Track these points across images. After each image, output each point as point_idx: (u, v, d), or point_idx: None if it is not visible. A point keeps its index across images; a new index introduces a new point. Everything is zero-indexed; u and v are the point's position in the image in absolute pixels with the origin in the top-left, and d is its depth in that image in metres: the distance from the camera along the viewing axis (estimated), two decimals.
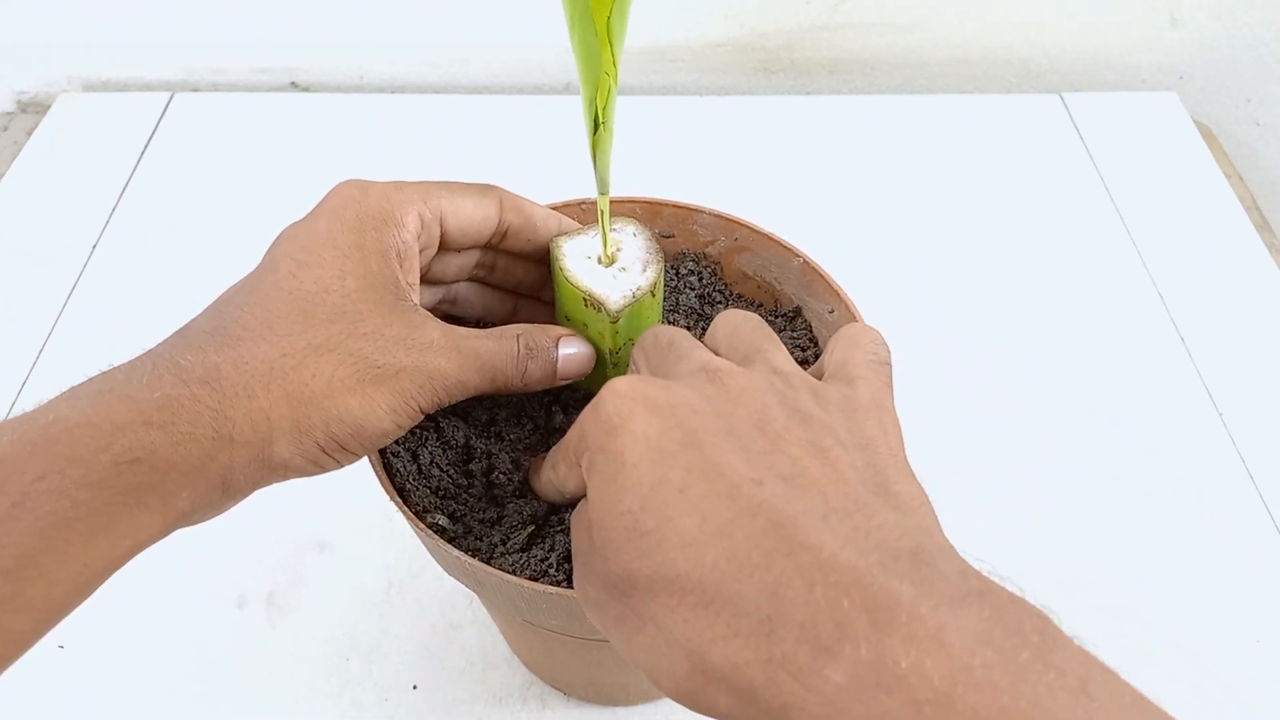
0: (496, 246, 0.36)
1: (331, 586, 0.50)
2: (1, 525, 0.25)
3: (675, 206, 0.43)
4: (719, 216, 0.43)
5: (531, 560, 0.33)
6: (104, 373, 0.29)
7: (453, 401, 0.32)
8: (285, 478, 0.30)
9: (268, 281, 0.30)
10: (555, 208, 0.43)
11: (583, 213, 0.43)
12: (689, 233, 0.44)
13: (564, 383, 0.35)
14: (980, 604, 0.22)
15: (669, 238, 0.44)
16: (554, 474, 0.31)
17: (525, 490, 0.36)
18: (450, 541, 0.33)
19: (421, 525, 0.33)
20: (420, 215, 0.33)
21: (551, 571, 0.33)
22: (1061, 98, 0.80)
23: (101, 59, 0.80)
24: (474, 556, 0.33)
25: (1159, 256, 0.68)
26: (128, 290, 0.64)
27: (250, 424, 0.28)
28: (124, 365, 0.29)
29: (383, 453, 0.36)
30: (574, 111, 0.77)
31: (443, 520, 0.35)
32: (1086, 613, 0.49)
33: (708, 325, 0.42)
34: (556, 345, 0.34)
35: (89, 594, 0.27)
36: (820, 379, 0.29)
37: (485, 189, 0.35)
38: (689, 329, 0.42)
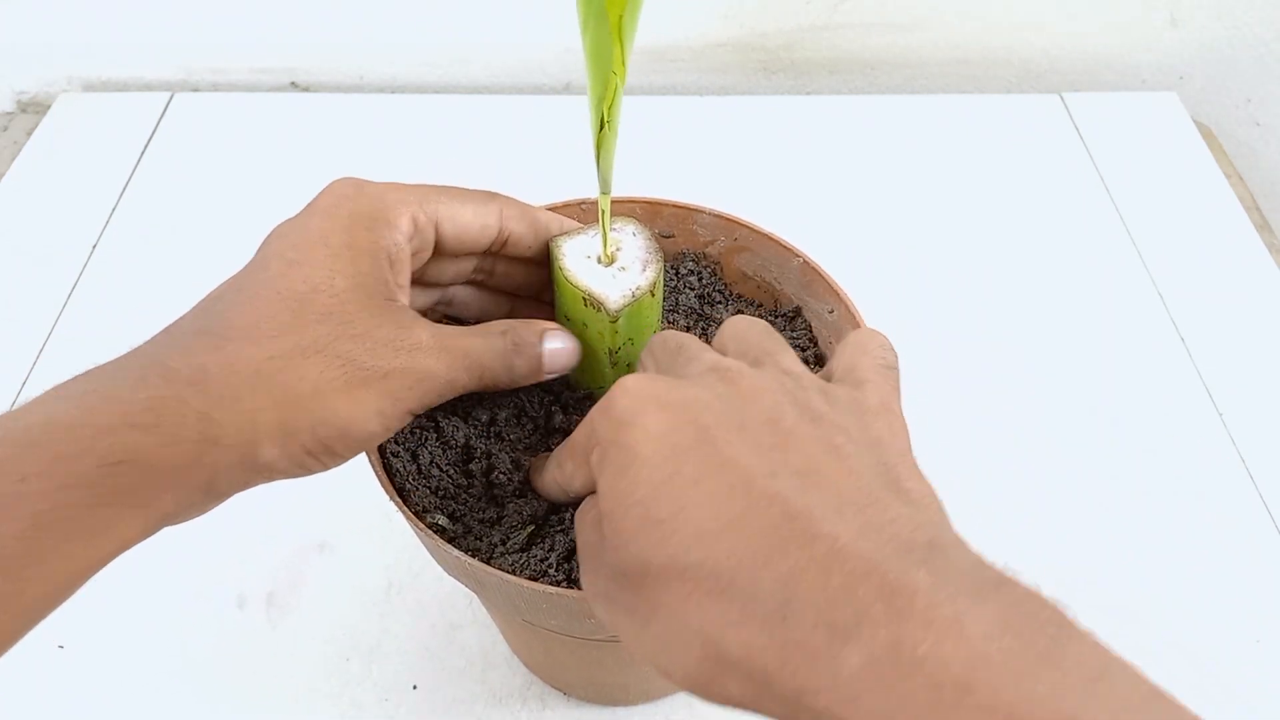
0: (496, 253, 0.36)
1: (331, 586, 0.50)
2: None
3: (675, 206, 0.43)
4: (719, 216, 0.43)
5: (531, 560, 0.33)
6: (91, 371, 0.28)
7: (442, 401, 0.32)
8: (270, 479, 0.30)
9: (257, 280, 0.30)
10: (555, 208, 0.43)
11: (583, 213, 0.43)
12: (689, 233, 0.44)
13: (550, 377, 0.35)
14: (997, 595, 0.22)
15: (669, 238, 0.44)
16: (559, 472, 0.31)
17: (525, 490, 0.36)
18: (450, 541, 0.33)
19: (421, 525, 0.33)
20: (414, 218, 0.32)
21: (551, 571, 0.33)
22: (1061, 98, 0.80)
23: (101, 59, 0.80)
24: (474, 556, 0.33)
25: (1159, 256, 0.68)
26: (128, 290, 0.64)
27: (236, 427, 0.28)
28: (111, 364, 0.29)
29: (383, 453, 0.36)
30: (574, 111, 0.77)
31: (443, 520, 0.35)
32: (1087, 613, 0.49)
33: (708, 325, 0.42)
34: (541, 340, 0.34)
35: (70, 595, 0.27)
36: (828, 382, 0.29)
37: (486, 197, 0.35)
38: (689, 329, 0.42)
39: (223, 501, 0.29)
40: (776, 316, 0.43)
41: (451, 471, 0.37)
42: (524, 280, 0.38)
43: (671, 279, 0.43)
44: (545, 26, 0.78)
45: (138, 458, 0.26)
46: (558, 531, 0.34)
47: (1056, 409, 0.59)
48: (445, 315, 0.39)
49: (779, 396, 0.27)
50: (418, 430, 0.37)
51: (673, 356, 0.30)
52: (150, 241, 0.68)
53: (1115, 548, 0.53)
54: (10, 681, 0.47)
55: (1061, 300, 0.65)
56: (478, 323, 0.39)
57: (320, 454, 0.30)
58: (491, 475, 0.36)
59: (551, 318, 0.36)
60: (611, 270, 0.35)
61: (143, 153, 0.74)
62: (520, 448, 0.37)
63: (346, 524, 0.52)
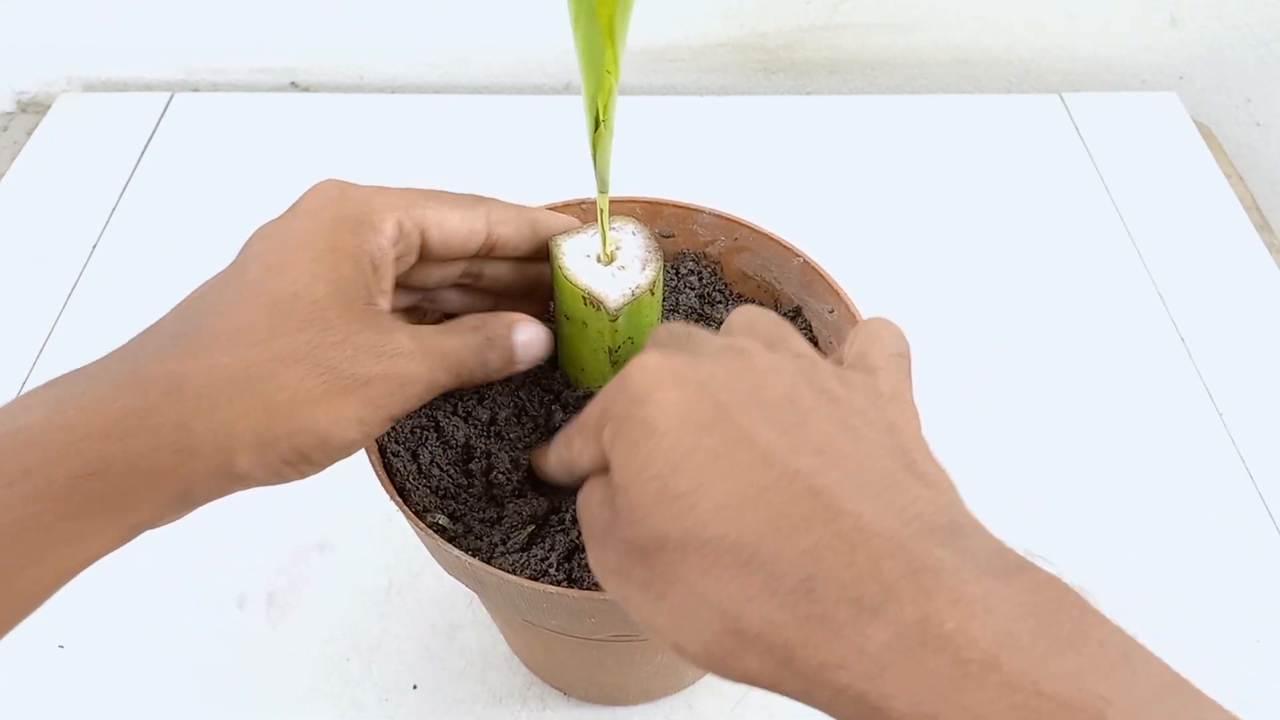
0: (484, 257, 0.36)
1: (331, 586, 0.50)
2: None
3: (675, 206, 0.43)
4: (719, 216, 0.43)
5: (531, 560, 0.33)
6: (65, 376, 0.28)
7: (422, 403, 0.32)
8: (246, 488, 0.29)
9: (237, 284, 0.30)
10: (555, 208, 0.43)
11: (583, 212, 0.43)
12: (689, 232, 0.44)
13: (523, 368, 0.35)
14: (1021, 577, 0.22)
15: (669, 237, 0.44)
16: (567, 450, 0.31)
17: (525, 490, 0.36)
18: (450, 541, 0.33)
19: (421, 525, 0.33)
20: (400, 222, 0.32)
21: (551, 571, 0.33)
22: (1061, 98, 0.80)
23: (101, 59, 0.80)
24: (474, 556, 0.33)
25: (1159, 256, 0.68)
26: (128, 290, 0.64)
27: (213, 437, 0.27)
28: (86, 369, 0.28)
29: (383, 453, 0.36)
30: (574, 111, 0.77)
31: (443, 520, 0.35)
32: None
33: (708, 325, 0.42)
34: (512, 332, 0.34)
35: (39, 605, 0.27)
36: (840, 367, 0.29)
37: (474, 201, 0.34)
38: None
39: (198, 508, 0.29)
40: None
41: (452, 471, 0.37)
42: (512, 282, 0.37)
43: (671, 279, 0.43)
44: (545, 26, 0.78)
45: (111, 469, 0.26)
46: (558, 531, 0.34)
47: (1056, 409, 0.59)
48: (429, 309, 0.39)
49: (795, 377, 0.27)
50: (418, 430, 0.37)
51: (683, 340, 0.29)
52: (150, 241, 0.68)
53: (1115, 547, 0.53)
54: (10, 681, 0.47)
55: (1062, 300, 0.65)
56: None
57: (298, 463, 0.29)
58: (491, 475, 0.36)
59: (538, 316, 0.36)
60: (611, 269, 0.35)
61: (143, 153, 0.74)
62: (520, 447, 0.37)
63: (346, 524, 0.52)
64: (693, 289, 0.43)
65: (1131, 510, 0.54)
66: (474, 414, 0.38)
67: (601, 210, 0.35)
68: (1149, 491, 0.55)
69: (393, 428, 0.37)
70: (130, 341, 0.29)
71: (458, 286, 0.37)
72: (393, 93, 0.82)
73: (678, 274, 0.44)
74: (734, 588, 0.23)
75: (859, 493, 0.23)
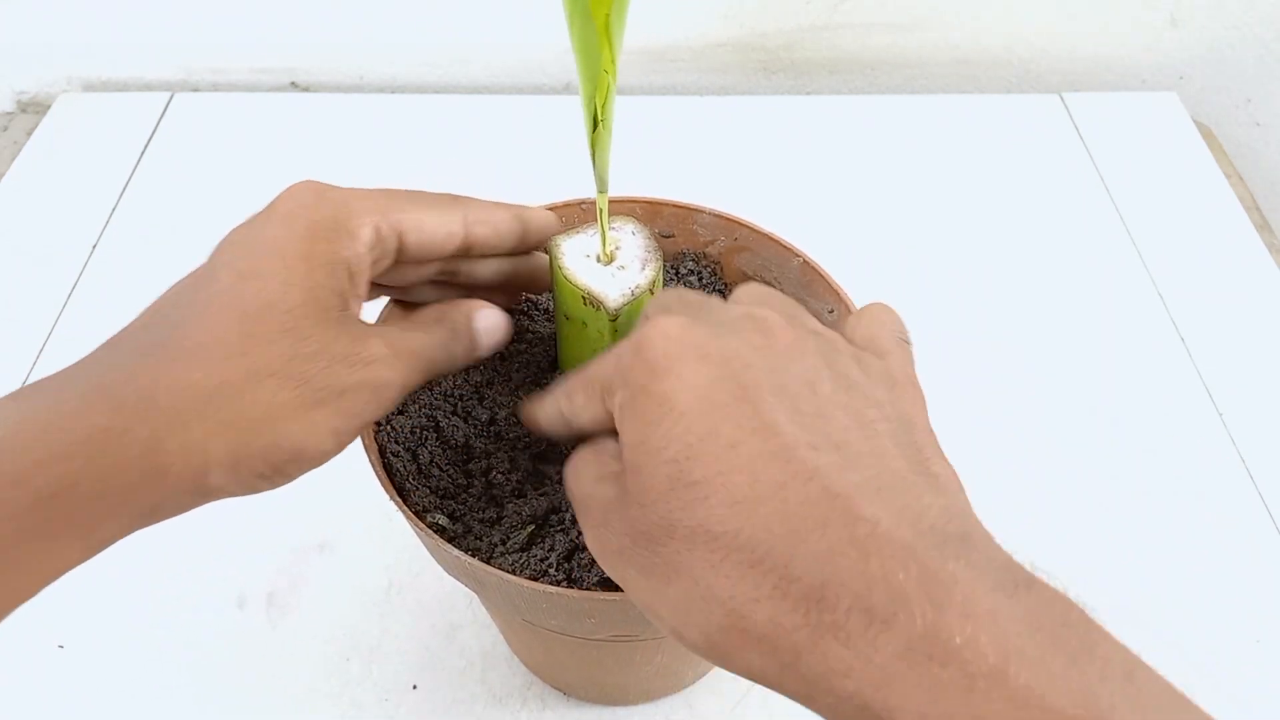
0: (459, 256, 0.35)
1: (331, 586, 0.50)
2: None
3: (675, 206, 0.43)
4: (719, 216, 0.43)
5: (531, 560, 0.33)
6: (30, 388, 0.27)
7: (395, 406, 0.32)
8: (217, 499, 0.29)
9: (208, 293, 0.28)
10: (555, 208, 0.43)
11: (583, 212, 0.43)
12: (689, 232, 0.44)
13: (485, 355, 0.34)
14: (1029, 593, 0.22)
15: (669, 237, 0.44)
16: (567, 403, 0.30)
17: (525, 490, 0.36)
18: (450, 541, 0.33)
19: (421, 525, 0.33)
20: (377, 227, 0.31)
21: (551, 571, 0.33)
22: (1061, 98, 0.80)
23: (101, 59, 0.80)
24: (474, 556, 0.33)
25: (1159, 256, 0.68)
26: (128, 290, 0.64)
27: (184, 455, 0.26)
28: (52, 381, 0.27)
29: (383, 453, 0.36)
30: (574, 111, 0.77)
31: (443, 520, 0.35)
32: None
33: None
34: (471, 321, 0.33)
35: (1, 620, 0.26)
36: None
37: (451, 202, 0.33)
38: None
39: (167, 519, 0.28)
40: None
41: (451, 471, 0.37)
42: (487, 277, 0.36)
43: (671, 279, 0.43)
44: (545, 26, 0.78)
45: (76, 490, 0.25)
46: (558, 531, 0.34)
47: (1056, 409, 0.59)
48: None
49: (815, 359, 0.26)
50: (418, 430, 0.37)
51: (696, 308, 0.28)
52: (150, 241, 0.68)
53: (1115, 548, 0.53)
54: (10, 681, 0.47)
55: (1062, 300, 0.65)
56: None
57: (272, 476, 0.29)
58: (491, 475, 0.36)
59: (507, 306, 0.35)
60: (611, 269, 0.35)
61: (143, 153, 0.74)
62: (520, 447, 0.37)
63: (346, 524, 0.52)
64: (692, 289, 0.43)
65: (1131, 510, 0.54)
66: (474, 414, 0.38)
67: (601, 210, 0.35)
68: (1149, 491, 0.55)
69: (392, 428, 0.37)
70: (99, 350, 0.28)
71: (432, 283, 0.37)
72: (393, 93, 0.82)
73: (678, 274, 0.44)
74: (743, 586, 0.23)
75: (877, 496, 0.23)
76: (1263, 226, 0.71)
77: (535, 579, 0.32)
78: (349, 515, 0.52)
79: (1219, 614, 0.50)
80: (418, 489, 0.36)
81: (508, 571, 0.32)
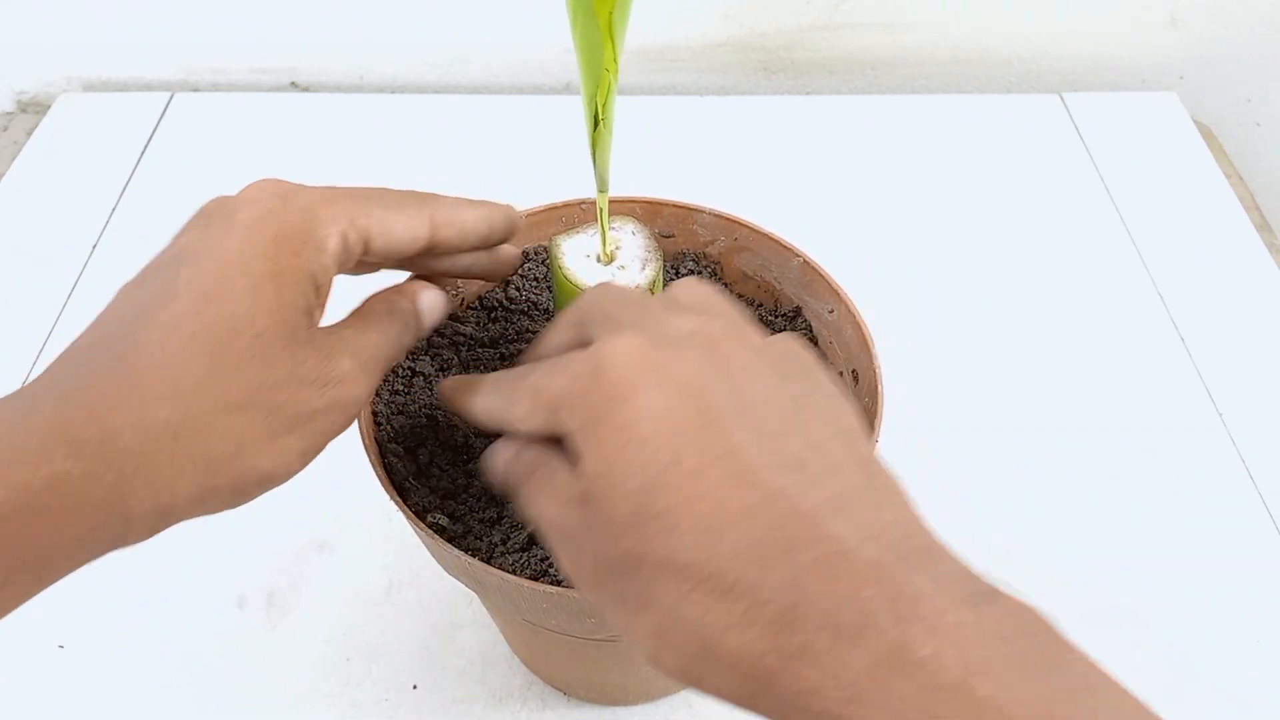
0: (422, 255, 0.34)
1: (331, 586, 0.50)
2: None
3: (675, 206, 0.43)
4: (719, 216, 0.43)
5: (531, 560, 0.33)
6: None
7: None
8: (176, 523, 0.28)
9: (169, 315, 0.26)
10: (555, 207, 0.43)
11: (583, 212, 0.43)
12: (689, 232, 0.44)
13: (426, 335, 0.34)
14: (992, 605, 0.22)
15: (669, 237, 0.44)
16: (507, 408, 0.29)
17: None
18: (450, 541, 0.33)
19: (421, 525, 0.33)
20: (344, 235, 0.29)
21: (551, 571, 0.33)
22: (1061, 98, 0.80)
23: (101, 59, 0.80)
24: (474, 556, 0.33)
25: (1159, 256, 0.68)
26: None
27: (151, 495, 0.25)
28: (5, 413, 0.25)
29: (383, 452, 0.36)
30: (574, 111, 0.77)
31: (443, 520, 0.35)
32: (1087, 613, 0.49)
33: None
34: (416, 303, 0.33)
35: None
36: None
37: (419, 203, 0.31)
38: None
39: None
40: (776, 316, 0.43)
41: (451, 471, 0.37)
42: (443, 269, 0.35)
43: (671, 278, 0.43)
44: (545, 26, 0.78)
45: (36, 539, 0.24)
46: None
47: (1056, 409, 0.59)
48: None
49: (769, 379, 0.26)
50: (418, 430, 0.37)
51: (637, 314, 0.28)
52: (150, 241, 0.66)
53: (1115, 548, 0.52)
54: (10, 681, 0.47)
55: (1062, 300, 0.65)
56: None
57: (235, 500, 0.28)
58: None
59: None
60: (611, 269, 0.35)
61: (143, 153, 0.74)
62: None
63: (346, 524, 0.52)
64: None
65: (1131, 511, 0.54)
66: None
67: (601, 210, 0.35)
68: (1149, 492, 0.55)
69: (392, 428, 0.37)
70: (55, 369, 0.27)
71: None
72: (393, 93, 0.82)
73: (677, 274, 0.44)
74: (714, 615, 0.23)
75: (839, 515, 0.23)
76: (1263, 226, 0.71)
77: (535, 579, 0.32)
78: (349, 515, 0.52)
79: (1219, 614, 0.50)
80: (418, 489, 0.36)
81: (508, 571, 0.32)
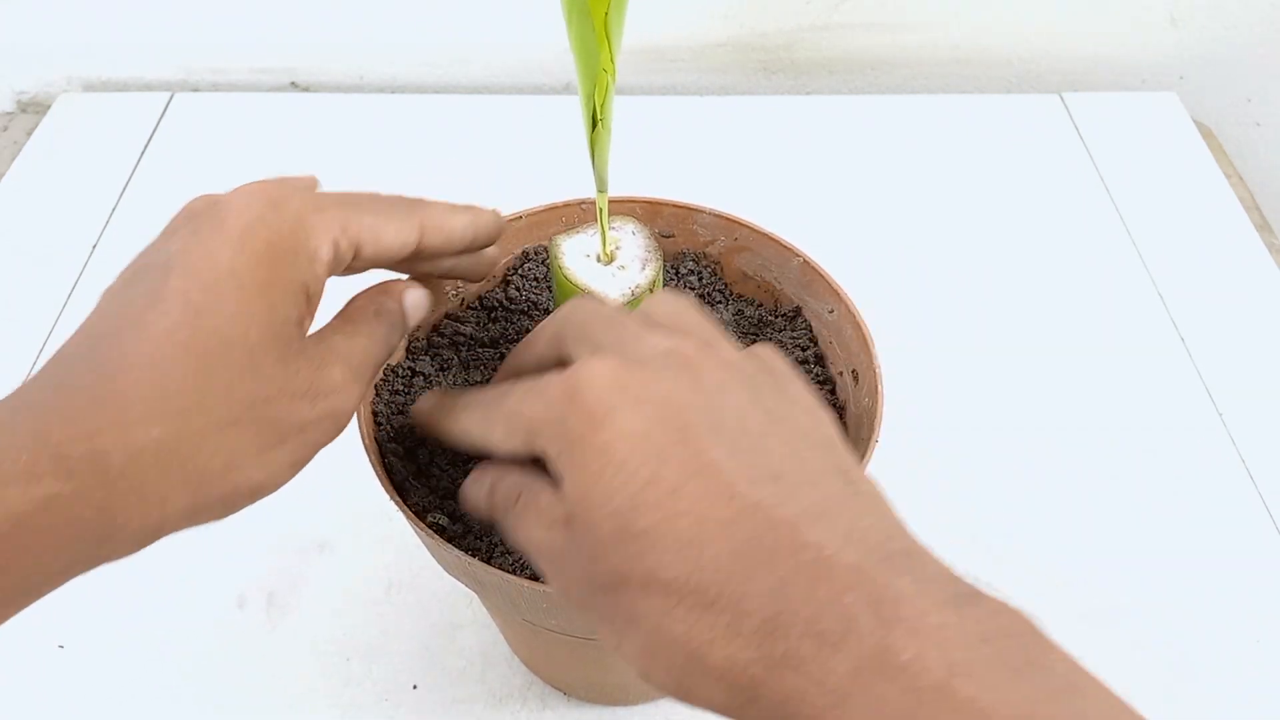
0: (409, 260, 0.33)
1: (331, 586, 0.50)
2: None
3: (675, 206, 0.43)
4: (719, 216, 0.43)
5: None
6: None
7: None
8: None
9: (159, 327, 0.26)
10: (555, 208, 0.43)
11: (583, 212, 0.43)
12: (689, 232, 0.44)
13: (413, 327, 0.34)
14: (974, 606, 0.22)
15: (669, 237, 0.44)
16: (485, 431, 0.29)
17: None
18: (450, 541, 0.33)
19: (421, 525, 0.33)
20: (336, 244, 0.29)
21: None
22: (1061, 98, 0.80)
23: (101, 59, 0.80)
24: (474, 556, 0.33)
25: (1159, 256, 0.68)
26: None
27: (141, 513, 0.25)
28: None
29: (382, 452, 0.36)
30: (574, 111, 0.77)
31: (443, 520, 0.35)
32: (1087, 613, 0.49)
33: None
34: (401, 303, 0.32)
35: None
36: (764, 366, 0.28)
37: (408, 210, 0.31)
38: None
39: None
40: (777, 316, 0.43)
41: (451, 471, 0.37)
42: (427, 270, 0.35)
43: (671, 278, 0.43)
44: (545, 26, 0.78)
45: (26, 559, 0.24)
46: None
47: (1056, 409, 0.59)
48: None
49: (743, 393, 0.26)
50: (418, 430, 0.37)
51: (615, 334, 0.28)
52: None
53: (1115, 548, 0.52)
54: (10, 681, 0.47)
55: (1061, 300, 0.65)
56: None
57: (225, 512, 0.28)
58: None
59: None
60: (611, 269, 0.35)
61: (143, 153, 0.74)
62: None
63: (346, 524, 0.52)
64: (693, 289, 0.43)
65: (1131, 511, 0.54)
66: None
67: (601, 210, 0.35)
68: (1149, 492, 0.55)
69: (392, 428, 0.37)
70: (38, 383, 0.26)
71: None
72: (393, 93, 0.83)
73: (678, 274, 0.44)
74: (699, 629, 0.23)
75: (818, 523, 0.23)
76: (1263, 226, 0.71)
77: (535, 579, 0.32)
78: (349, 515, 0.52)
79: (1219, 614, 0.50)
80: (418, 489, 0.36)
81: (508, 571, 0.32)
